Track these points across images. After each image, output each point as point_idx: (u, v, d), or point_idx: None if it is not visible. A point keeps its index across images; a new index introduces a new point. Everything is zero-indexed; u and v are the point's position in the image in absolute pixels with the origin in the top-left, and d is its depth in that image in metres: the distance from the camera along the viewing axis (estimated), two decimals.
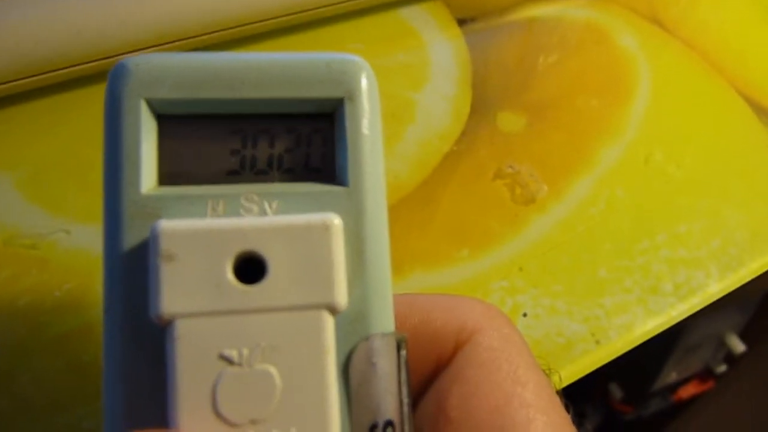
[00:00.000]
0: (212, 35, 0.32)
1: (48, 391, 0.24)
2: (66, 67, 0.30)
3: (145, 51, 0.31)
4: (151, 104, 0.17)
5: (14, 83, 0.29)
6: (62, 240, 0.27)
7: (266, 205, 0.17)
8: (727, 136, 0.37)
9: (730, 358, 0.79)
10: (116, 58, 0.30)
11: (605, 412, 0.80)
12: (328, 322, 0.16)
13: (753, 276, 0.31)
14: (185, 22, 0.31)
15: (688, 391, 0.81)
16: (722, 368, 0.80)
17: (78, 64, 0.30)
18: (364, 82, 0.18)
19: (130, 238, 0.16)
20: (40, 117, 0.30)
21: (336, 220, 0.16)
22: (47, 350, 0.25)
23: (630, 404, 0.78)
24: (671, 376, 0.75)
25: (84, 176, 0.29)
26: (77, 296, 0.26)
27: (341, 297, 0.16)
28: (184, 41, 0.31)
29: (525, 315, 0.28)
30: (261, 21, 0.33)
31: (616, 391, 0.78)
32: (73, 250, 0.27)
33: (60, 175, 0.29)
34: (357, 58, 0.18)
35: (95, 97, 0.31)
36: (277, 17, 0.33)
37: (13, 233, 0.27)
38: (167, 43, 0.31)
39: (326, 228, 0.16)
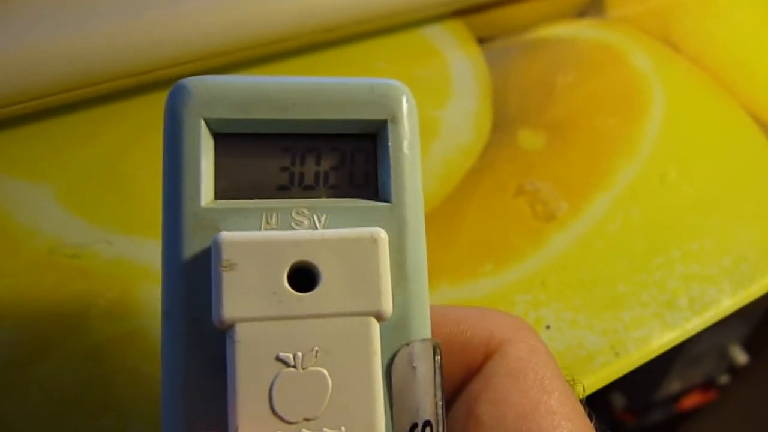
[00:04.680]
0: (244, 53, 0.33)
1: (94, 395, 0.25)
2: (104, 82, 0.31)
3: (179, 67, 0.32)
4: (209, 123, 0.18)
5: (55, 97, 0.30)
6: (104, 250, 0.28)
7: (315, 219, 0.18)
8: (737, 155, 0.38)
9: (733, 369, 0.80)
10: (152, 73, 0.32)
11: (608, 421, 0.80)
12: (375, 328, 0.17)
13: (764, 292, 0.33)
14: (219, 40, 0.32)
15: (690, 402, 0.81)
16: (725, 379, 0.81)
17: (115, 79, 0.31)
18: (405, 105, 0.19)
19: (190, 248, 0.17)
20: (78, 129, 0.31)
21: (382, 234, 0.18)
22: (91, 356, 0.26)
23: (632, 414, 0.79)
24: (674, 386, 0.76)
25: (122, 188, 0.30)
26: (120, 304, 0.27)
27: (387, 305, 0.17)
28: (218, 58, 0.33)
29: (548, 327, 0.29)
30: (291, 40, 0.34)
31: (618, 401, 0.79)
32: (114, 260, 0.28)
33: (99, 187, 0.30)
34: (398, 83, 0.19)
35: (131, 110, 0.32)
36: (306, 36, 0.34)
37: (55, 243, 0.28)
38: (201, 59, 0.32)
39: (374, 241, 0.17)
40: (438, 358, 0.18)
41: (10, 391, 0.25)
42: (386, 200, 0.19)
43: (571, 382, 0.21)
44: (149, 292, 0.27)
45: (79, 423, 0.24)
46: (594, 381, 0.28)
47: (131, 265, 0.28)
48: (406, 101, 0.19)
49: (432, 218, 0.32)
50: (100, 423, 0.24)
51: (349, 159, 0.19)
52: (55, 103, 0.31)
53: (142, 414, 0.25)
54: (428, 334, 0.18)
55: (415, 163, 0.19)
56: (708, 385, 0.81)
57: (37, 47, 0.29)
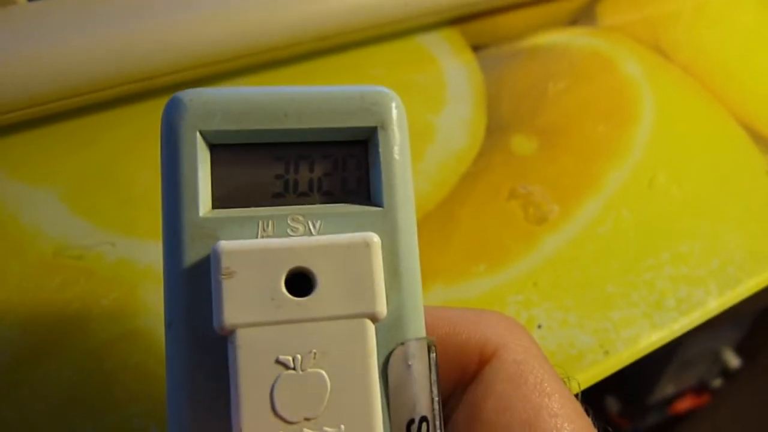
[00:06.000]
0: (240, 61, 0.34)
1: (97, 393, 0.26)
2: (105, 89, 0.32)
3: (177, 74, 0.33)
4: (204, 135, 0.18)
5: (58, 103, 0.31)
6: (108, 252, 0.29)
7: (310, 225, 0.19)
8: (725, 160, 0.39)
9: (726, 372, 0.81)
10: (152, 80, 0.32)
11: (602, 425, 0.81)
12: (371, 329, 0.18)
13: (750, 293, 0.33)
14: (216, 49, 0.33)
15: (684, 405, 0.82)
16: (718, 383, 0.82)
17: (116, 86, 0.32)
18: (394, 112, 0.19)
19: (190, 258, 0.18)
20: (81, 134, 0.32)
21: (375, 239, 0.18)
22: (96, 354, 0.26)
23: (627, 418, 0.79)
24: (667, 389, 0.76)
25: (125, 191, 0.31)
26: (123, 305, 0.28)
27: (382, 307, 0.18)
28: (217, 65, 0.33)
29: (540, 327, 0.30)
30: (288, 47, 0.35)
31: (613, 405, 0.79)
32: (118, 261, 0.29)
33: (102, 190, 0.31)
34: (387, 90, 0.20)
35: (133, 115, 0.33)
36: (303, 44, 0.35)
37: (61, 245, 0.29)
38: (198, 67, 0.33)
39: (367, 245, 0.18)
40: (433, 355, 0.19)
41: (15, 389, 0.26)
42: (378, 205, 0.19)
43: (566, 380, 0.22)
44: (152, 293, 0.28)
45: (82, 420, 0.25)
46: (584, 379, 0.29)
47: (134, 266, 0.29)
48: (396, 108, 0.19)
49: (427, 221, 0.33)
50: (104, 420, 0.25)
51: (342, 165, 0.20)
52: (59, 109, 0.32)
53: (144, 411, 0.25)
54: (423, 333, 0.19)
55: (405, 168, 0.19)
56: (701, 388, 0.82)
57: (42, 56, 0.30)
